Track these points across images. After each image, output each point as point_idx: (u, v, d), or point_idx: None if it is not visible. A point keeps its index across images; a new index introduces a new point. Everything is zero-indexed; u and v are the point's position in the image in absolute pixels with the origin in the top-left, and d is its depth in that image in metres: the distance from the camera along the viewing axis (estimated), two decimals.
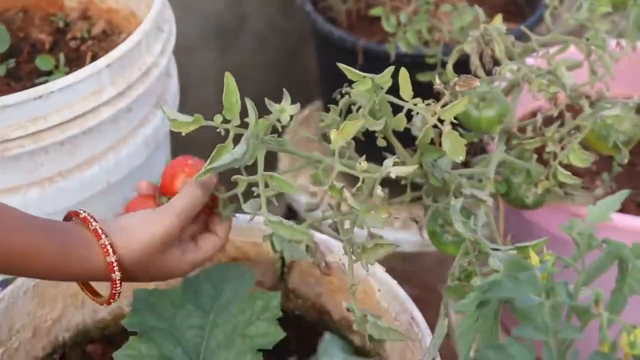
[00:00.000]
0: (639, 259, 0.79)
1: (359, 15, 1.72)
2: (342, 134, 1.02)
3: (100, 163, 1.32)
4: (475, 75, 1.21)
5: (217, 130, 1.02)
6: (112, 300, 1.03)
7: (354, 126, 1.02)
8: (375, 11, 1.62)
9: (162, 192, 1.10)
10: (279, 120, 1.04)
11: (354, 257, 1.09)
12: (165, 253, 1.03)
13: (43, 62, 1.52)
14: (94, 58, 1.42)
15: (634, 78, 1.48)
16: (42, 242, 0.95)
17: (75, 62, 1.53)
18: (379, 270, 1.18)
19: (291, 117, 1.07)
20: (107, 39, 1.57)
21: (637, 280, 0.80)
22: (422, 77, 1.38)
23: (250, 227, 1.17)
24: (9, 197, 1.27)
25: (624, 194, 0.85)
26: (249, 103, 1.01)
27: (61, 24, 1.62)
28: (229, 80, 1.01)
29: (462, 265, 1.07)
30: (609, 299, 0.83)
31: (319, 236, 1.21)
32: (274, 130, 1.05)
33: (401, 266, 1.87)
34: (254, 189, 1.03)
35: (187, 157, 1.10)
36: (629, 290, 0.82)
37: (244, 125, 1.01)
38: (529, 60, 1.29)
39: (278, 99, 1.07)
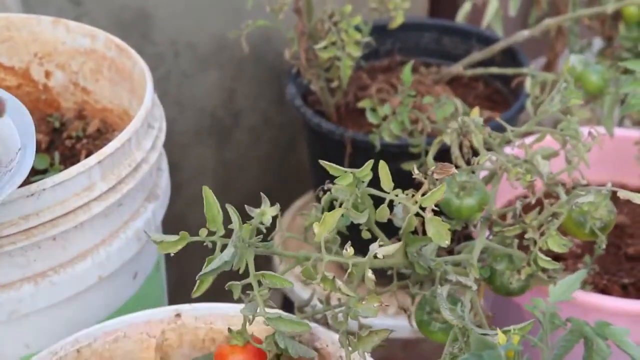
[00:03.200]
0: (602, 337, 0.80)
1: (348, 108, 1.74)
2: (324, 226, 1.04)
3: (92, 256, 1.32)
4: (456, 165, 1.23)
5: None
6: None
7: (333, 216, 1.04)
8: (363, 103, 1.64)
9: None
10: (262, 223, 1.05)
11: (350, 348, 1.10)
12: None
13: (39, 161, 1.53)
14: (88, 155, 1.43)
15: (612, 164, 1.49)
16: None
17: (70, 159, 1.54)
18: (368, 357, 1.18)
19: (276, 217, 1.09)
20: (101, 136, 1.58)
21: (602, 358, 0.81)
22: (406, 167, 1.39)
23: (239, 317, 1.16)
24: (4, 293, 1.27)
25: (582, 273, 0.86)
26: (231, 210, 1.04)
27: (57, 124, 1.63)
28: (207, 193, 1.04)
29: (452, 353, 1.07)
30: None
31: (317, 330, 1.21)
32: (260, 233, 1.07)
33: (401, 354, 1.87)
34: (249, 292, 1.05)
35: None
36: None
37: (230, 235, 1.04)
38: (508, 149, 1.31)
39: (274, 191, 1.09)
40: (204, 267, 1.05)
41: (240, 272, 1.06)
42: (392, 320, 1.73)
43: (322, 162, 1.08)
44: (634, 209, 1.51)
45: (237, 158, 1.94)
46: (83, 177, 1.28)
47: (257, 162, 2.00)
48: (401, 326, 1.66)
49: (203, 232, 1.04)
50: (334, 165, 1.08)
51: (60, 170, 1.33)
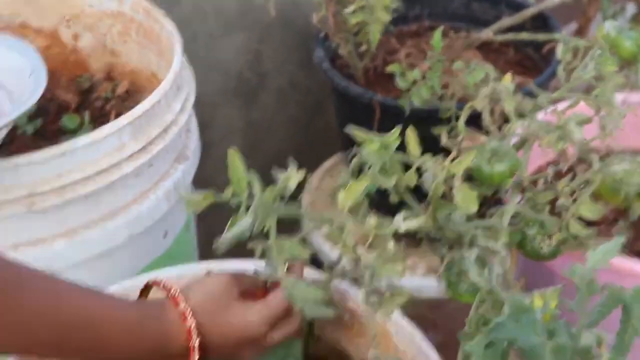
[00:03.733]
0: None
1: (376, 72, 1.74)
2: (349, 194, 1.05)
3: (123, 215, 1.35)
4: (487, 132, 1.23)
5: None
6: None
7: (359, 186, 1.05)
8: (391, 68, 1.63)
9: None
10: (286, 188, 1.06)
11: (374, 308, 1.10)
12: (232, 303, 1.04)
13: (69, 121, 1.55)
14: (117, 116, 1.44)
15: None
16: (120, 315, 0.97)
17: (99, 120, 1.56)
18: (396, 314, 1.18)
19: (305, 177, 1.09)
20: (130, 98, 1.60)
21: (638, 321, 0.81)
22: (437, 131, 1.39)
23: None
24: (38, 248, 1.30)
25: (620, 240, 0.86)
26: (253, 177, 1.04)
27: (86, 85, 1.65)
28: (233, 157, 1.04)
29: (478, 313, 1.08)
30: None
31: (338, 283, 1.23)
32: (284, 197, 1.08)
33: (429, 314, 1.88)
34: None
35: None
36: (633, 332, 0.83)
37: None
38: (540, 116, 1.30)
39: (301, 153, 1.09)
40: (224, 232, 1.05)
41: (256, 239, 1.06)
42: (420, 280, 1.73)
43: (350, 128, 1.09)
44: None
45: (264, 120, 1.94)
46: (114, 137, 1.30)
47: (284, 124, 2.00)
48: (429, 286, 1.67)
49: (228, 192, 1.05)
50: (362, 131, 1.08)
51: (90, 131, 1.35)
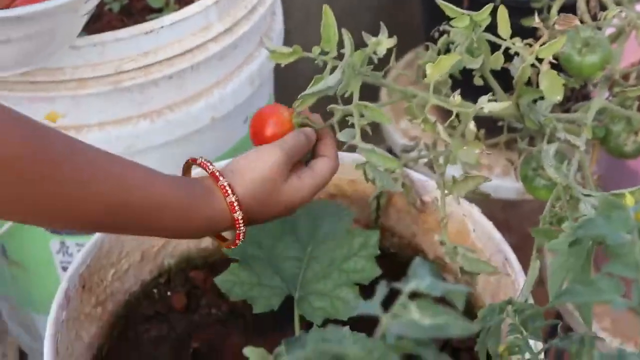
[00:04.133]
0: None
1: None
2: (438, 68, 1.02)
3: (206, 98, 1.36)
4: (581, 21, 1.20)
5: (318, 65, 1.03)
6: (237, 241, 1.05)
7: (449, 60, 1.02)
8: None
9: (252, 139, 1.11)
10: (375, 53, 1.04)
11: (445, 191, 1.10)
12: (282, 183, 1.03)
13: (155, 0, 1.56)
14: None
15: None
16: (169, 195, 0.96)
17: (188, 2, 1.56)
18: (475, 211, 1.20)
19: (390, 52, 1.07)
20: None
21: None
22: (527, 22, 1.37)
23: (348, 165, 1.18)
24: (121, 127, 1.32)
25: None
26: (346, 34, 1.02)
27: None
28: (327, 13, 1.02)
29: (553, 210, 1.07)
30: None
31: (415, 175, 1.24)
32: (371, 63, 1.05)
33: (501, 215, 1.89)
34: (349, 120, 1.04)
35: (278, 106, 1.10)
36: None
37: (342, 58, 1.02)
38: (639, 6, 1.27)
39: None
40: (309, 87, 1.04)
41: (346, 95, 1.04)
42: (496, 180, 1.72)
43: (439, 1, 1.06)
44: None
45: (349, 7, 1.93)
46: (200, 17, 1.30)
47: (366, 11, 1.99)
48: (505, 187, 1.69)
49: (316, 49, 1.03)
50: (451, 5, 1.06)
51: (175, 10, 1.35)
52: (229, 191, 0.99)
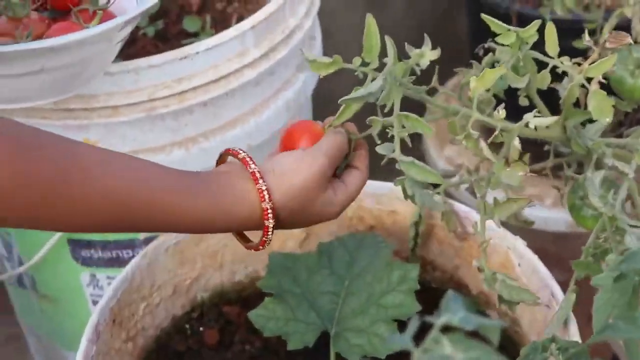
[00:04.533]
0: None
1: None
2: (482, 82, 1.01)
3: (242, 126, 1.36)
4: (636, 41, 1.19)
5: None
6: (261, 247, 1.03)
7: (494, 73, 1.01)
8: None
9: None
10: (418, 65, 1.04)
11: (486, 214, 1.09)
12: (319, 195, 1.01)
13: (190, 23, 1.56)
14: (239, 20, 1.45)
15: None
16: (189, 199, 0.95)
17: (221, 23, 1.55)
18: (519, 243, 1.19)
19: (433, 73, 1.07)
20: (253, 0, 1.59)
21: None
22: (578, 44, 1.36)
23: (388, 195, 1.19)
24: (155, 155, 1.32)
25: None
26: (389, 42, 1.01)
27: None
28: (370, 21, 1.01)
29: (597, 242, 1.05)
30: None
31: (457, 205, 1.23)
32: (414, 74, 1.05)
33: (552, 248, 1.87)
34: (389, 133, 1.03)
35: (310, 121, 1.10)
36: None
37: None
38: None
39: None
40: (350, 94, 1.02)
41: (386, 109, 1.03)
42: (548, 211, 1.70)
43: (484, 16, 1.06)
44: None
45: (391, 26, 1.93)
46: (236, 42, 1.31)
47: (409, 32, 1.99)
48: (556, 219, 1.67)
49: (357, 60, 1.02)
50: (497, 21, 1.05)
51: (212, 34, 1.36)
52: (266, 197, 0.97)
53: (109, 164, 0.91)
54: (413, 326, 0.65)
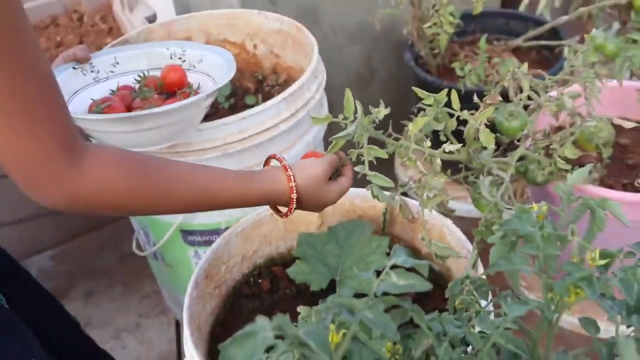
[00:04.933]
0: (602, 208, 0.80)
1: (444, 67, 1.73)
2: (415, 125, 1.03)
3: None
4: (510, 100, 1.21)
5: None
6: (289, 214, 1.02)
7: (422, 120, 1.04)
8: (454, 64, 1.64)
9: None
10: (377, 117, 1.04)
11: (423, 205, 1.11)
12: (323, 184, 1.02)
13: (249, 99, 1.60)
14: None
15: (621, 104, 1.45)
16: (246, 183, 0.95)
17: (268, 99, 1.58)
18: (449, 223, 1.20)
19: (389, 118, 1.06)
20: (287, 84, 1.62)
21: (601, 222, 0.80)
22: (476, 101, 1.36)
23: (369, 197, 1.19)
24: None
25: (589, 167, 0.86)
26: (359, 106, 1.03)
27: (260, 77, 1.68)
28: (349, 95, 1.03)
29: (487, 218, 1.08)
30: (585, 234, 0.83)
31: (409, 200, 1.23)
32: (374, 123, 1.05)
33: (470, 227, 1.87)
34: (362, 159, 1.04)
35: (316, 152, 1.12)
36: (596, 228, 0.82)
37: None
38: (552, 93, 1.28)
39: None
40: (337, 135, 1.04)
41: (359, 146, 1.03)
42: (469, 206, 1.67)
43: (414, 88, 1.07)
44: (634, 134, 1.46)
45: (373, 100, 1.95)
46: (274, 108, 1.33)
47: (386, 103, 2.00)
48: (473, 210, 1.66)
49: (341, 116, 1.03)
50: (422, 90, 1.07)
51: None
52: (292, 179, 0.99)
53: (194, 172, 0.92)
54: (372, 268, 0.67)
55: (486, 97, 1.11)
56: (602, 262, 0.73)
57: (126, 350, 2.03)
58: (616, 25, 1.72)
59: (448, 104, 1.06)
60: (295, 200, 1.00)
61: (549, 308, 0.71)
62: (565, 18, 1.63)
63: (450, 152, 1.07)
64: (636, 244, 0.78)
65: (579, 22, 1.64)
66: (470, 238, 1.16)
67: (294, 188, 0.99)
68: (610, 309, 0.70)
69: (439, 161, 1.05)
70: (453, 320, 0.73)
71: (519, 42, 1.73)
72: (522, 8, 1.74)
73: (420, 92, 1.06)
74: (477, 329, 0.73)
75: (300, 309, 0.84)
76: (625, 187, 1.35)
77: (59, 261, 2.30)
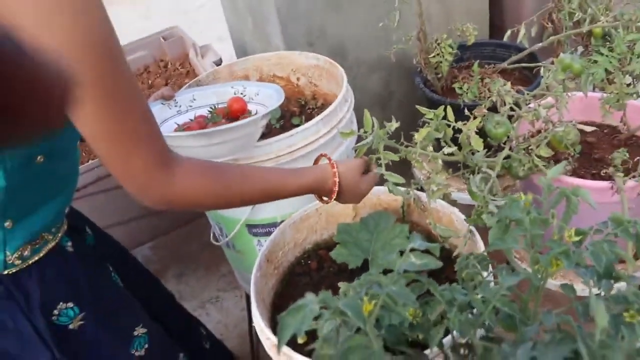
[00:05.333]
0: (575, 195, 0.78)
1: (447, 88, 1.70)
2: (420, 134, 1.04)
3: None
4: (497, 111, 1.19)
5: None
6: (330, 201, 1.02)
7: (425, 131, 1.04)
8: (454, 85, 1.61)
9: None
10: (390, 130, 1.05)
11: (430, 197, 1.10)
12: (358, 176, 1.02)
13: (295, 120, 1.59)
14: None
15: (587, 112, 1.42)
16: (299, 177, 0.96)
17: (309, 120, 1.56)
18: (456, 210, 1.18)
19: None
20: (324, 107, 1.61)
21: (575, 207, 0.79)
22: (468, 111, 1.34)
23: (390, 193, 1.19)
24: None
25: (562, 165, 0.84)
26: (376, 122, 1.03)
27: (302, 102, 1.68)
28: (367, 113, 1.03)
29: (477, 208, 1.07)
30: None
31: (420, 194, 1.22)
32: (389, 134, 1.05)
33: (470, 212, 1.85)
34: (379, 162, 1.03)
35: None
36: (571, 211, 0.81)
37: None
38: (531, 105, 1.26)
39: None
40: (359, 144, 1.04)
41: (378, 153, 1.03)
42: (466, 195, 1.67)
43: (418, 107, 1.07)
44: (598, 133, 1.43)
45: (390, 117, 1.94)
46: (314, 127, 1.32)
47: (401, 118, 1.99)
48: (467, 198, 1.64)
49: (362, 130, 1.03)
50: (424, 108, 1.07)
51: (304, 123, 1.38)
52: (336, 168, 0.99)
53: (257, 173, 0.93)
54: (396, 251, 0.67)
55: (475, 110, 1.10)
56: (577, 238, 0.72)
57: (210, 317, 2.05)
58: (580, 49, 1.69)
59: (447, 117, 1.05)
60: (337, 183, 0.99)
61: (536, 277, 0.70)
62: (540, 45, 1.60)
63: (451, 154, 1.07)
64: (602, 223, 0.76)
65: (551, 47, 1.61)
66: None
67: (337, 173, 0.99)
68: (584, 275, 0.69)
69: (440, 162, 1.04)
70: (460, 290, 0.73)
71: (504, 65, 1.70)
72: (505, 38, 1.73)
73: (422, 109, 1.05)
74: (480, 295, 0.72)
75: (340, 284, 0.84)
76: (593, 176, 1.32)
77: (156, 251, 2.34)
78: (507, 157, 1.15)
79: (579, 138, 1.17)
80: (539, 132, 1.19)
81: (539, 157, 1.13)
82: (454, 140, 1.09)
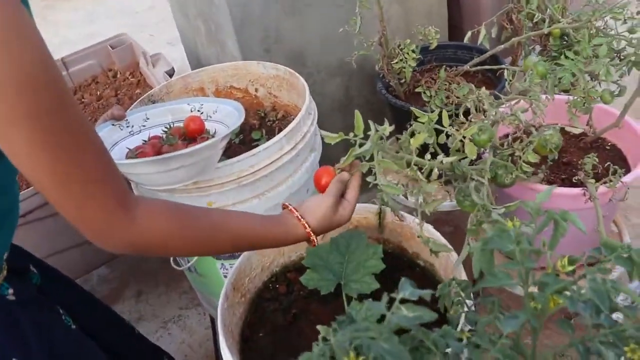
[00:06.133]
0: (563, 218, 0.74)
1: (410, 93, 1.66)
2: (416, 140, 0.97)
3: (285, 184, 1.31)
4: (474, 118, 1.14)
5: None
6: (314, 245, 0.96)
7: (422, 136, 0.98)
8: (418, 89, 1.57)
9: (315, 186, 1.01)
10: (384, 134, 0.97)
11: (421, 207, 1.03)
12: (333, 214, 0.95)
13: (255, 134, 1.52)
14: (280, 130, 1.41)
15: (554, 114, 1.38)
16: (273, 230, 0.91)
17: (270, 132, 1.52)
18: (430, 227, 1.13)
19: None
20: (285, 120, 1.55)
21: (563, 231, 0.74)
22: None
23: (363, 210, 1.13)
24: (243, 204, 1.26)
25: (552, 187, 0.79)
26: (372, 124, 0.95)
27: (262, 114, 1.61)
28: (358, 115, 0.96)
29: (476, 217, 1.01)
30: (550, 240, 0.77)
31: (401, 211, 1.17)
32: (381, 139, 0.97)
33: (444, 217, 1.81)
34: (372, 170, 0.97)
35: (328, 166, 1.03)
36: (559, 234, 0.76)
37: (366, 138, 0.95)
38: (502, 109, 1.21)
39: None
40: (349, 153, 0.96)
41: (369, 158, 0.96)
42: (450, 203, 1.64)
43: (412, 108, 1.02)
44: (567, 138, 1.41)
45: (352, 123, 1.89)
46: (277, 144, 1.26)
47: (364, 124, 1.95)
48: (450, 205, 1.61)
49: (352, 134, 0.95)
50: (419, 110, 1.02)
51: (266, 140, 1.32)
52: (307, 226, 0.93)
53: (229, 220, 0.86)
54: (384, 300, 0.60)
55: (471, 116, 1.04)
56: (570, 268, 0.68)
57: (172, 337, 1.95)
58: (538, 48, 1.67)
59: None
60: (313, 238, 0.94)
61: (535, 319, 0.64)
62: (501, 46, 1.56)
63: (441, 162, 1.01)
64: (595, 249, 0.71)
65: (511, 47, 1.58)
66: (455, 228, 1.10)
67: (310, 232, 0.93)
68: (584, 310, 0.64)
69: (436, 170, 0.98)
70: (453, 335, 0.66)
71: (467, 67, 1.65)
72: (466, 40, 1.68)
73: (417, 111, 1.01)
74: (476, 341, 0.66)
75: (319, 327, 0.77)
76: (563, 182, 1.30)
77: (113, 269, 2.22)
78: (492, 163, 1.10)
79: (561, 142, 1.13)
80: (516, 138, 1.14)
81: (527, 163, 1.09)
82: (442, 148, 1.04)
